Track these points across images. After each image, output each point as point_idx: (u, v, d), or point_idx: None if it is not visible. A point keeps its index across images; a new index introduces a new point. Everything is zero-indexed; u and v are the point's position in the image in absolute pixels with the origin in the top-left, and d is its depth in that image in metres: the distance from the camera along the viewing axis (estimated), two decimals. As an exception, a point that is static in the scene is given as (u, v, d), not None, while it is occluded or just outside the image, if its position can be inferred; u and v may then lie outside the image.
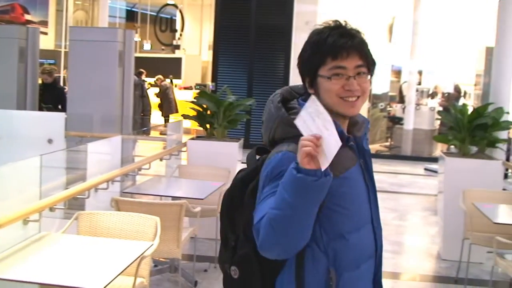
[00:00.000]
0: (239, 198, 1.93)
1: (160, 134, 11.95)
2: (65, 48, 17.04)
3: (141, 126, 10.75)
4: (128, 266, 2.97)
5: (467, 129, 6.07)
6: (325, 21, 1.84)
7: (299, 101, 1.89)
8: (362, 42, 1.83)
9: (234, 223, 1.95)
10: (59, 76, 14.53)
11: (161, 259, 5.17)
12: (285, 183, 1.66)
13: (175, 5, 22.38)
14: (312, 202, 1.67)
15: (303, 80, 1.90)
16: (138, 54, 21.38)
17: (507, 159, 6.85)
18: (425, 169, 11.59)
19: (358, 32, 1.84)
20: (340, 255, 1.82)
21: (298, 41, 13.99)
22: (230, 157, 6.22)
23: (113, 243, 3.40)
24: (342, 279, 1.82)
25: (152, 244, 3.32)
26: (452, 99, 14.92)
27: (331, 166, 1.65)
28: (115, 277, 2.81)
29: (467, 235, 5.18)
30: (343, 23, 1.83)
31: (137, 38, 22.05)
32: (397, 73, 18.38)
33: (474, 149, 6.23)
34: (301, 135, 1.67)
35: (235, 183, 1.97)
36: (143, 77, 14.60)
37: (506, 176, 7.37)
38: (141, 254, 3.15)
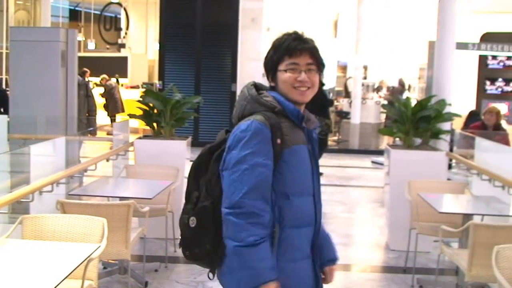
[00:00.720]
0: (205, 163, 2.39)
1: (107, 134, 11.77)
2: (6, 49, 16.61)
3: (87, 126, 10.58)
4: (74, 269, 2.92)
5: (411, 121, 6.18)
6: (287, 31, 2.40)
7: (268, 91, 2.41)
8: (313, 47, 2.36)
9: (198, 184, 2.40)
10: (1, 78, 14.16)
11: (110, 261, 5.09)
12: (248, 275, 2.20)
13: (119, 3, 22.07)
14: None
15: (267, 75, 2.40)
16: (82, 54, 21.02)
17: (451, 150, 7.00)
18: (372, 162, 11.77)
19: (311, 40, 2.38)
20: (284, 212, 2.29)
21: (245, 38, 13.98)
22: (178, 155, 6.18)
23: (59, 246, 3.33)
24: (283, 233, 2.29)
25: (99, 246, 3.27)
26: (396, 92, 15.21)
27: (287, 137, 2.28)
28: (62, 281, 2.75)
29: (413, 225, 5.29)
30: (300, 32, 2.38)
31: (80, 37, 21.68)
32: (343, 68, 18.64)
33: (418, 141, 6.35)
34: (267, 110, 2.27)
35: (203, 151, 2.42)
36: (87, 77, 14.33)
37: (450, 166, 7.54)
38: (88, 257, 3.09)
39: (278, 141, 2.25)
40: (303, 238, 2.35)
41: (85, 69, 14.28)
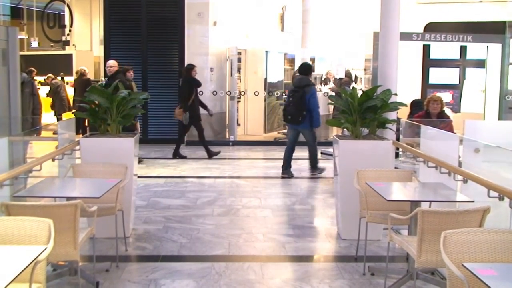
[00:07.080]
0: None
1: (53, 134, 11.51)
2: None
3: (31, 126, 10.33)
4: (21, 272, 2.84)
5: (358, 112, 6.26)
6: None
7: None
8: None
9: None
10: None
11: (60, 263, 4.99)
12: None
13: (62, 0, 21.63)
14: None
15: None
16: (26, 53, 20.54)
17: (397, 139, 7.11)
18: (322, 153, 11.84)
19: None
20: None
21: (192, 33, 13.90)
22: (126, 153, 6.08)
23: (4, 249, 3.24)
24: None
25: (46, 248, 3.19)
26: (343, 84, 15.33)
27: None
28: (8, 284, 2.68)
29: (363, 214, 5.35)
30: None
31: (23, 35, 21.14)
32: (291, 61, 18.68)
33: (365, 131, 6.43)
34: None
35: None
36: (33, 76, 14.01)
37: (397, 155, 7.66)
38: (34, 259, 3.01)
39: None
40: None
41: (32, 68, 13.95)
